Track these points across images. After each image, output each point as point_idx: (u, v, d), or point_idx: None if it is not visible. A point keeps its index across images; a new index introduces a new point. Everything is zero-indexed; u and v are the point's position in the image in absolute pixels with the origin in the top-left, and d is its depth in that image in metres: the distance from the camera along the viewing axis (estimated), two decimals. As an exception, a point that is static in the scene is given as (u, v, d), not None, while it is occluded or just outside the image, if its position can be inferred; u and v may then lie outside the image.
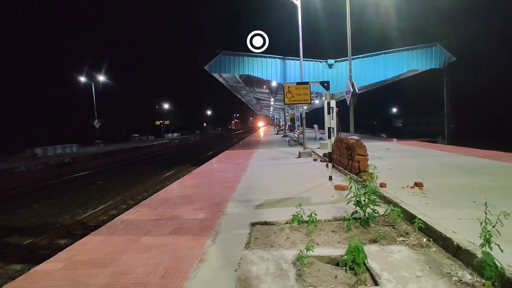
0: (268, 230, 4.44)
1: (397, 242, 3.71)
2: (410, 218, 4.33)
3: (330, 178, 7.68)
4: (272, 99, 35.16)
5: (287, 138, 22.96)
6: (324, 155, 11.98)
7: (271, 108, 51.46)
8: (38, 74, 49.89)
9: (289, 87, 7.60)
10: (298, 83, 7.73)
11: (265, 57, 18.16)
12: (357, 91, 12.13)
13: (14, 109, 40.56)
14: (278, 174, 9.13)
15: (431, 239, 3.66)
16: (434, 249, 3.48)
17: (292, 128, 39.13)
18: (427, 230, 3.82)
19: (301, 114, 19.30)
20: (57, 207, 11.31)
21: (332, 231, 4.23)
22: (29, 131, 38.15)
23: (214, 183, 8.14)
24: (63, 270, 3.47)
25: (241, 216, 5.09)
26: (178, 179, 10.59)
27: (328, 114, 7.69)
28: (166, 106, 69.85)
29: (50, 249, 7.12)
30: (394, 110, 75.00)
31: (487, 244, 2.71)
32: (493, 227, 2.77)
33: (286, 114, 40.17)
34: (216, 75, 19.92)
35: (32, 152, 23.47)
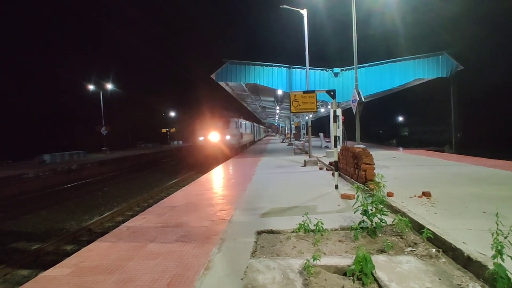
0: (274, 238, 4.41)
1: (405, 253, 3.66)
2: (418, 228, 4.27)
3: (336, 187, 7.62)
4: (277, 108, 35.32)
5: (293, 147, 22.92)
6: (330, 163, 11.91)
7: (277, 116, 51.53)
8: (47, 81, 50.73)
9: (295, 95, 7.62)
10: (304, 92, 7.74)
11: (271, 66, 18.30)
12: (363, 99, 12.11)
13: (24, 116, 41.23)
14: (284, 182, 9.09)
15: (441, 250, 3.60)
16: (443, 260, 3.42)
17: (297, 137, 39.08)
18: (436, 241, 3.76)
19: (306, 123, 19.30)
20: (63, 213, 11.38)
21: (339, 241, 4.19)
22: (38, 138, 38.62)
23: (220, 191, 8.13)
24: (70, 276, 3.48)
25: (247, 224, 5.07)
26: (183, 186, 10.61)
27: (334, 122, 7.67)
28: (172, 114, 70.41)
29: (57, 255, 7.15)
30: (400, 118, 74.46)
31: (499, 256, 2.66)
32: (505, 238, 2.72)
33: (292, 122, 40.18)
34: (222, 84, 20.09)
35: (40, 159, 23.75)
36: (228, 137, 23.89)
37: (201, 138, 24.05)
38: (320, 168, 11.90)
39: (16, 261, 6.75)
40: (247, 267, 3.47)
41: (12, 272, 6.40)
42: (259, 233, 4.62)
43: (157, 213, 6.12)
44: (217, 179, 10.36)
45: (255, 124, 45.98)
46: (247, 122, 34.11)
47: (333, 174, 9.55)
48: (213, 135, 23.75)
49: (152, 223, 5.42)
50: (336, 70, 18.53)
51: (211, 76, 17.90)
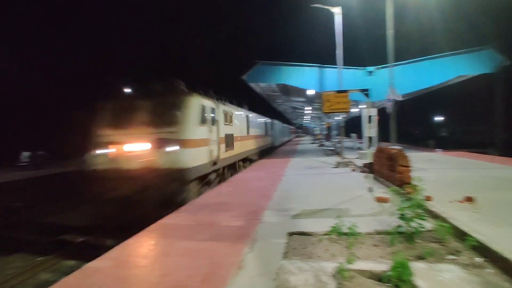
0: (306, 240, 4.36)
1: (447, 261, 3.47)
2: (460, 235, 4.03)
3: (370, 189, 7.39)
4: (308, 108, 34.84)
5: (324, 148, 22.53)
6: (364, 165, 11.57)
7: (307, 117, 50.95)
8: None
9: (327, 95, 7.50)
10: (337, 92, 7.60)
11: (302, 66, 18.12)
12: (401, 98, 11.66)
13: None
14: (314, 184, 8.96)
15: (486, 259, 3.38)
16: (490, 270, 3.20)
17: (328, 137, 38.39)
18: (481, 249, 3.53)
19: (339, 123, 18.88)
20: None
21: (374, 245, 4.05)
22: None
23: (250, 191, 8.17)
24: (113, 268, 3.67)
25: (277, 225, 5.05)
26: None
27: (368, 122, 7.45)
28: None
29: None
30: (438, 118, 70.76)
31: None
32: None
33: (322, 123, 39.56)
34: (253, 85, 20.20)
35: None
36: (174, 148, 7.94)
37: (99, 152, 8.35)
38: (353, 170, 11.60)
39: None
40: (279, 268, 3.46)
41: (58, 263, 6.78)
42: (290, 234, 4.59)
43: (190, 211, 6.26)
44: (246, 180, 10.42)
45: (274, 122, 29.00)
46: (248, 113, 16.46)
47: (366, 176, 9.29)
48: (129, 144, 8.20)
49: (186, 221, 5.56)
50: (370, 68, 17.98)
51: (242, 77, 18.06)
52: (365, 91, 7.08)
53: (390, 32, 11.87)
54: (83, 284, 3.31)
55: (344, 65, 17.19)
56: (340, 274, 3.14)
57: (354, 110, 28.43)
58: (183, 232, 4.94)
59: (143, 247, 4.34)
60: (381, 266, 3.36)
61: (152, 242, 4.54)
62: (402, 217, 4.13)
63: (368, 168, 7.67)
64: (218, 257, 3.82)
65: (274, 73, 18.30)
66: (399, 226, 4.20)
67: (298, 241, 4.33)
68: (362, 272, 3.26)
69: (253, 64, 18.01)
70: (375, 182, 8.32)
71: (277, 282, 3.14)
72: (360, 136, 22.74)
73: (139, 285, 3.20)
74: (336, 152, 19.90)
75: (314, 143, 39.33)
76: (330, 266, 3.43)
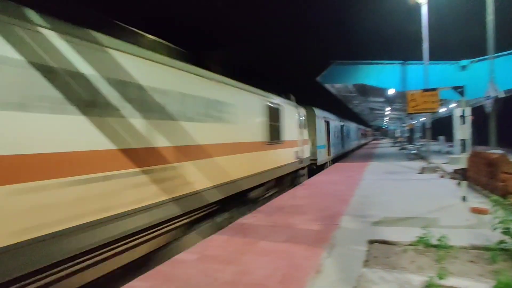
0: (389, 250, 4.11)
1: None
2: None
3: (464, 198, 6.59)
4: (387, 109, 32.61)
5: (406, 151, 20.75)
6: (455, 171, 10.39)
7: (386, 118, 47.75)
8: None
9: (413, 94, 6.93)
10: (424, 90, 6.97)
11: (382, 63, 17.04)
12: (503, 94, 10.17)
13: None
14: (396, 190, 8.37)
15: None
16: None
17: (411, 140, 35.34)
18: None
19: (424, 124, 17.26)
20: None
21: (470, 261, 3.62)
22: None
23: (326, 195, 8.01)
24: (196, 262, 3.98)
25: (356, 232, 4.87)
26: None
27: (462, 124, 6.67)
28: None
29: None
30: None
31: None
32: None
33: (404, 124, 36.60)
34: (327, 86, 19.73)
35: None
36: None
37: None
38: (442, 176, 10.49)
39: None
40: (360, 276, 3.34)
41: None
42: (371, 242, 4.39)
43: (266, 213, 6.42)
44: (322, 183, 10.24)
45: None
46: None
47: (458, 184, 8.33)
48: None
49: (262, 222, 5.73)
50: (464, 62, 15.98)
51: (316, 78, 17.77)
52: (459, 88, 6.36)
53: (490, 18, 10.43)
54: (172, 273, 3.66)
55: (434, 60, 15.64)
56: (429, 289, 2.90)
57: (443, 109, 25.71)
58: (260, 232, 5.10)
59: (223, 245, 4.60)
60: (480, 285, 2.99)
61: (231, 240, 4.78)
62: (506, 231, 3.61)
63: (461, 175, 6.82)
64: (296, 259, 3.85)
65: (351, 72, 17.55)
66: (502, 242, 3.68)
67: (380, 250, 4.11)
68: (456, 290, 2.95)
69: (327, 64, 17.58)
70: (469, 191, 7.39)
71: (358, 290, 3.04)
72: (450, 138, 20.43)
73: (220, 280, 3.41)
74: (420, 157, 18.23)
75: (395, 146, 36.67)
76: (417, 279, 3.18)
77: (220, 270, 3.67)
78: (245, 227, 5.49)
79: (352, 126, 31.31)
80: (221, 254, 4.21)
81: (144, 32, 5.17)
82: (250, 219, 6.03)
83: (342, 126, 21.53)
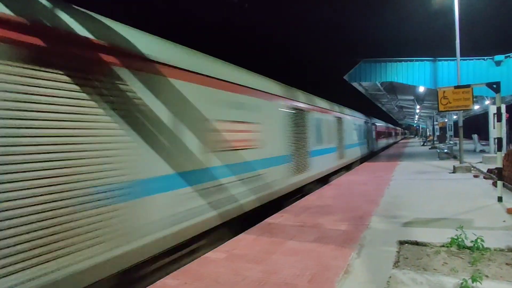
0: (420, 251, 4.04)
1: None
2: None
3: (500, 199, 6.32)
4: (417, 107, 31.49)
5: (437, 150, 19.93)
6: (489, 171, 9.92)
7: (416, 116, 46.09)
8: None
9: (444, 92, 6.71)
10: (456, 87, 6.74)
11: (411, 60, 16.50)
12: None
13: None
14: (427, 190, 8.12)
15: None
16: None
17: (442, 139, 33.88)
18: None
19: (457, 122, 16.52)
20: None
21: (507, 264, 3.50)
22: None
23: (354, 196, 7.93)
24: (225, 260, 4.10)
25: (386, 232, 4.81)
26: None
27: (498, 121, 6.39)
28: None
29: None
30: None
31: None
32: None
33: (435, 122, 35.17)
34: (355, 84, 19.38)
35: None
36: None
37: None
38: (475, 176, 10.05)
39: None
40: (390, 277, 3.32)
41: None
42: (401, 243, 4.33)
43: (294, 213, 6.46)
44: (350, 183, 10.11)
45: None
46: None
47: (494, 184, 7.97)
48: None
49: (290, 222, 5.78)
50: (499, 57, 15.17)
51: (344, 77, 17.51)
52: (494, 84, 6.10)
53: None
54: (201, 271, 3.78)
55: (465, 56, 14.99)
56: (463, 292, 2.84)
57: (477, 107, 24.55)
58: (288, 232, 5.15)
59: (251, 244, 4.69)
60: (518, 289, 2.90)
61: (259, 240, 4.86)
62: (547, 234, 3.45)
63: (496, 175, 6.52)
64: (324, 259, 3.87)
65: (378, 70, 17.13)
66: (543, 245, 3.53)
67: (411, 251, 4.05)
68: (493, 293, 2.88)
69: (355, 63, 17.28)
70: (505, 191, 7.06)
71: (388, 291, 3.03)
72: (484, 137, 19.47)
73: (249, 279, 3.49)
74: (452, 156, 17.50)
75: (425, 145, 35.35)
76: (450, 281, 3.13)
77: (249, 269, 3.76)
78: (272, 226, 5.56)
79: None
80: (249, 253, 4.30)
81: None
82: (277, 219, 6.10)
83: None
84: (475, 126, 33.97)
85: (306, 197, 8.21)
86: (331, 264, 3.72)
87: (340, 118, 13.85)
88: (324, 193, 8.57)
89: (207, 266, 3.94)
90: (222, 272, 3.72)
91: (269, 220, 6.04)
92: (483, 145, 19.99)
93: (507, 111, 13.70)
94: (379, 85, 20.81)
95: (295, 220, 5.90)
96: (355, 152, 17.12)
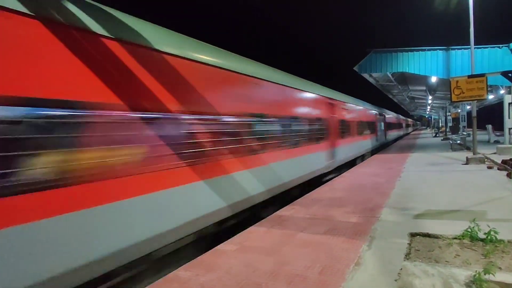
0: (432, 243, 4.03)
1: None
2: None
3: (515, 191, 6.23)
4: (429, 97, 30.90)
5: (449, 141, 19.59)
6: (504, 162, 9.74)
7: (428, 107, 45.27)
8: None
9: (457, 81, 6.58)
10: (469, 76, 6.59)
11: (423, 50, 16.16)
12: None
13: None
14: (439, 182, 8.04)
15: None
16: None
17: (455, 130, 33.24)
18: None
19: (470, 113, 16.18)
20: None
21: (521, 256, 3.47)
22: None
23: (365, 188, 7.90)
24: (237, 252, 4.16)
25: (397, 225, 4.80)
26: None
27: (512, 112, 6.23)
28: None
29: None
30: None
31: None
32: None
33: (448, 113, 34.50)
34: (365, 75, 19.13)
35: None
36: None
37: None
38: (489, 167, 9.89)
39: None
40: (401, 269, 3.33)
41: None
42: (412, 235, 4.32)
43: (305, 205, 6.49)
44: (361, 175, 10.07)
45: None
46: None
47: (508, 175, 7.84)
48: None
49: (301, 214, 5.82)
50: (515, 45, 14.77)
51: (354, 68, 17.28)
52: (510, 73, 5.95)
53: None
54: (213, 262, 3.85)
55: (479, 44, 14.60)
56: (476, 285, 2.84)
57: (491, 96, 23.98)
58: (299, 224, 5.19)
59: (262, 236, 4.74)
60: (532, 281, 2.87)
61: (270, 232, 4.91)
62: None
63: (510, 166, 6.40)
64: (335, 251, 3.90)
65: (389, 61, 16.84)
66: (559, 237, 3.48)
67: (422, 243, 4.04)
68: (506, 286, 2.86)
69: (365, 53, 17.02)
70: (521, 183, 6.94)
71: (399, 283, 3.04)
72: (498, 127, 19.03)
73: (261, 271, 3.54)
74: (465, 147, 17.20)
75: (437, 136, 34.81)
76: (462, 273, 3.12)
77: (260, 261, 3.81)
78: (283, 219, 5.60)
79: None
80: (260, 245, 4.35)
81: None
82: (288, 211, 6.14)
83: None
84: (489, 116, 33.13)
85: (317, 189, 8.23)
86: (342, 256, 3.75)
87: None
88: (335, 185, 8.56)
89: (219, 257, 4.01)
90: (233, 263, 3.78)
91: (280, 212, 6.09)
92: (497, 135, 19.58)
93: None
94: (390, 75, 20.50)
95: (306, 212, 5.93)
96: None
